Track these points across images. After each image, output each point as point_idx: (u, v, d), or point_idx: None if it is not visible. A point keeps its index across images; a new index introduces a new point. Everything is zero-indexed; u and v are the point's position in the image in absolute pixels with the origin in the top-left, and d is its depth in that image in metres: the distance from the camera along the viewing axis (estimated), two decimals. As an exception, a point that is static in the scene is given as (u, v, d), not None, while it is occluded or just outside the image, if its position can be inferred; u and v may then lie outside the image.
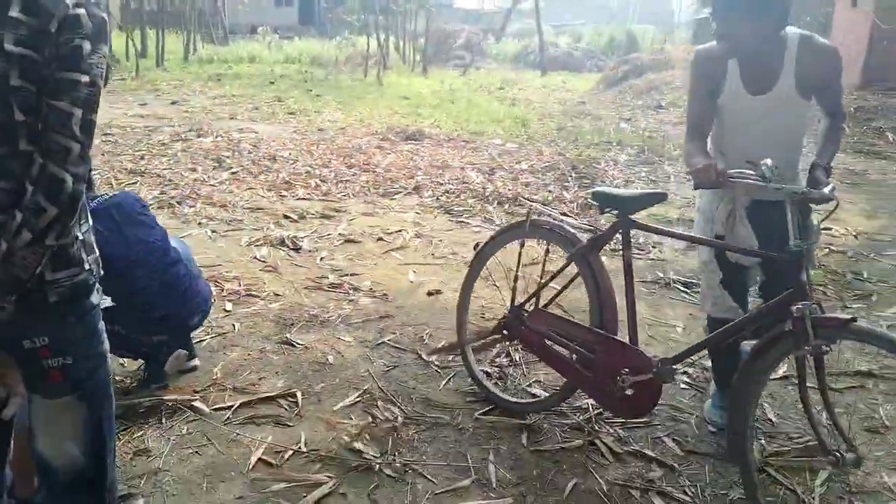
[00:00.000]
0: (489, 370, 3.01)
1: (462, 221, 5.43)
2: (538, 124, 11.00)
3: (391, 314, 3.61)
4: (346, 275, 4.14)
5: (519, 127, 10.52)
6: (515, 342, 2.80)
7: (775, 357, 2.04)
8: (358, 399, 2.77)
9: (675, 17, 44.65)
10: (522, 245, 2.69)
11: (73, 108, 1.23)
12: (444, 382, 2.94)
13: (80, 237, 1.40)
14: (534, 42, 27.18)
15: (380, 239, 4.89)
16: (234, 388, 2.81)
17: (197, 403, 2.65)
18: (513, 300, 2.72)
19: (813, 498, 2.21)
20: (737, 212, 2.37)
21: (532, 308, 2.64)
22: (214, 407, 2.66)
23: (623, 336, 2.42)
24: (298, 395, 2.77)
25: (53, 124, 1.22)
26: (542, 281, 2.60)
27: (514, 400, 2.76)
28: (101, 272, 1.49)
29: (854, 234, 5.29)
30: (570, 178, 6.86)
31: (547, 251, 2.68)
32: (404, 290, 3.95)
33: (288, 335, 3.28)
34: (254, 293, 3.77)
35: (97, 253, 1.47)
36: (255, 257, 4.36)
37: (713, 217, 2.45)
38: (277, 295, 3.77)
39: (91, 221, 1.47)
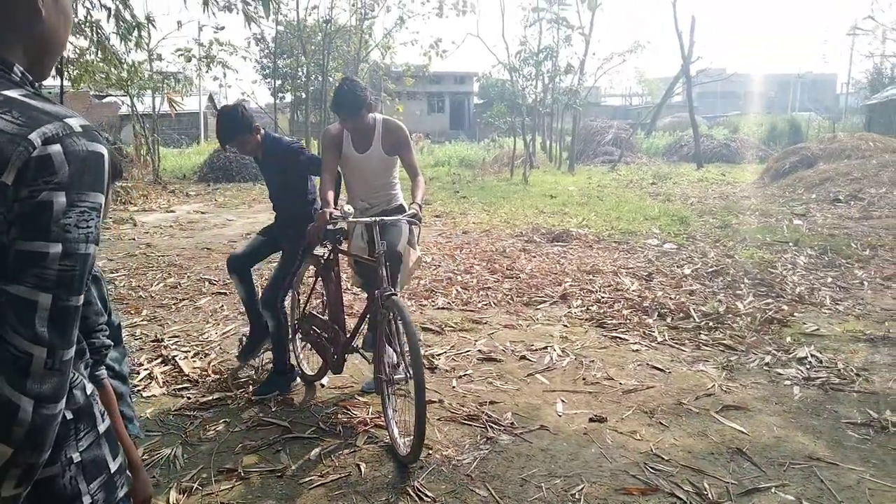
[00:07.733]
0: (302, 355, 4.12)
1: (617, 337, 4.78)
2: (699, 222, 10.14)
3: (535, 459, 3.04)
4: (485, 402, 3.65)
5: (677, 225, 9.72)
6: (303, 335, 3.99)
7: (383, 315, 3.16)
8: (493, 582, 2.22)
9: (840, 102, 41.62)
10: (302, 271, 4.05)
11: (37, 295, 0.86)
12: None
13: (78, 458, 1.01)
14: (687, 134, 26.29)
15: (523, 357, 4.37)
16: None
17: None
18: (300, 307, 4.03)
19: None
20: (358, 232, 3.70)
21: (306, 311, 3.94)
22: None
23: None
24: (421, 570, 2.27)
25: (9, 320, 0.85)
26: (309, 292, 3.97)
27: (310, 374, 3.94)
28: (124, 490, 1.08)
29: None
30: (742, 285, 6.02)
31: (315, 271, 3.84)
32: (551, 426, 3.37)
33: (416, 482, 2.82)
34: (380, 423, 3.37)
35: (114, 465, 1.07)
36: (388, 378, 4.01)
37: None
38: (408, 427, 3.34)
39: (106, 421, 1.07)
